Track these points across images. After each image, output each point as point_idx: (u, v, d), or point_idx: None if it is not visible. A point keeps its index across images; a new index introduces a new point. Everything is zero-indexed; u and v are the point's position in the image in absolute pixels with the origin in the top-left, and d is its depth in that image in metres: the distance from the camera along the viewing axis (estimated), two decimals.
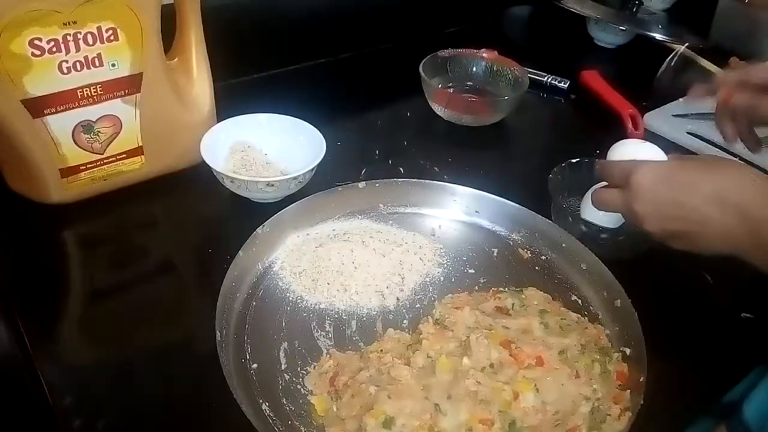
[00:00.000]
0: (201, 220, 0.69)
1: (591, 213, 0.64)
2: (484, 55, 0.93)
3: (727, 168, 0.53)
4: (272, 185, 0.65)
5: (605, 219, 0.64)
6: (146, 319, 0.58)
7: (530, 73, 0.97)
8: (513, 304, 0.54)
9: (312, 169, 0.68)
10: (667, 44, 1.09)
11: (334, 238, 0.64)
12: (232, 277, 0.57)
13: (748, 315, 0.63)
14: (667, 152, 0.61)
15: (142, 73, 0.65)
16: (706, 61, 0.98)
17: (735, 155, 0.80)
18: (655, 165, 0.55)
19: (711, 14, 1.16)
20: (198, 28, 0.71)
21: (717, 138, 0.74)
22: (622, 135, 0.86)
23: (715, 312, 0.64)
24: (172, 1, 0.69)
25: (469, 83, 0.93)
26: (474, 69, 0.93)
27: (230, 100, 0.77)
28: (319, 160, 0.68)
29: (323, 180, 0.71)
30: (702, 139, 0.87)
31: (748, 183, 0.50)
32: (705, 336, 0.61)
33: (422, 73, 0.86)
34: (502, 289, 0.58)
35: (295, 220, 0.65)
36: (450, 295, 0.59)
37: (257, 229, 0.61)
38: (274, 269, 0.62)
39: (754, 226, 0.48)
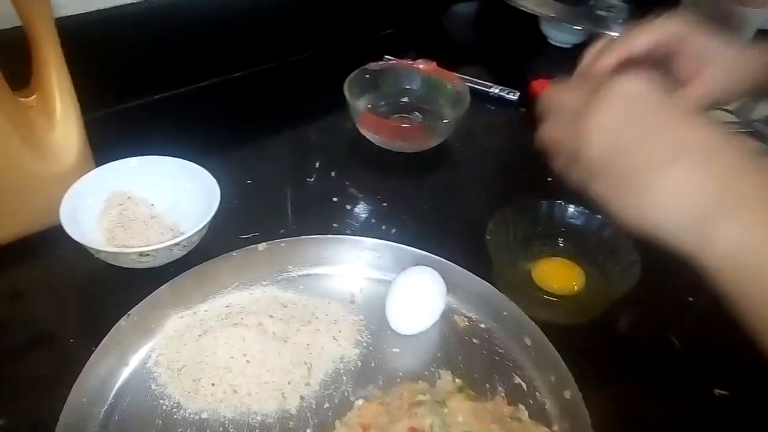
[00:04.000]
0: (66, 295, 0.57)
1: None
2: (420, 66, 0.81)
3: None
4: (147, 255, 0.53)
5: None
6: None
7: (476, 83, 0.86)
8: (431, 425, 0.43)
9: (201, 229, 0.55)
10: None
11: (225, 320, 0.52)
12: (83, 390, 0.45)
13: (722, 392, 0.53)
14: None
15: None
16: None
17: None
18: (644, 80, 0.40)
19: (675, 6, 1.05)
20: (56, 54, 0.58)
21: None
22: None
23: (685, 389, 0.54)
24: (19, 24, 0.56)
25: (404, 99, 0.81)
26: (409, 84, 0.81)
27: (109, 137, 0.64)
28: (210, 216, 0.56)
29: (224, 232, 0.59)
30: None
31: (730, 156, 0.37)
32: (674, 420, 0.52)
33: (347, 93, 0.73)
34: (421, 397, 0.46)
35: (178, 297, 0.53)
36: (360, 399, 0.48)
37: (120, 321, 0.49)
38: (147, 365, 0.50)
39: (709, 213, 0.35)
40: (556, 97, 0.43)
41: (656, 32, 0.49)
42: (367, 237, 0.59)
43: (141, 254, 0.53)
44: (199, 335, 0.51)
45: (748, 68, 0.51)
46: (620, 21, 0.97)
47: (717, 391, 0.53)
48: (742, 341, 0.36)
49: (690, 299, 0.61)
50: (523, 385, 0.51)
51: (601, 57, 0.48)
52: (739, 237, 0.35)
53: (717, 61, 0.50)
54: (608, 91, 0.39)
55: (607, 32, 0.94)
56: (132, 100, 0.78)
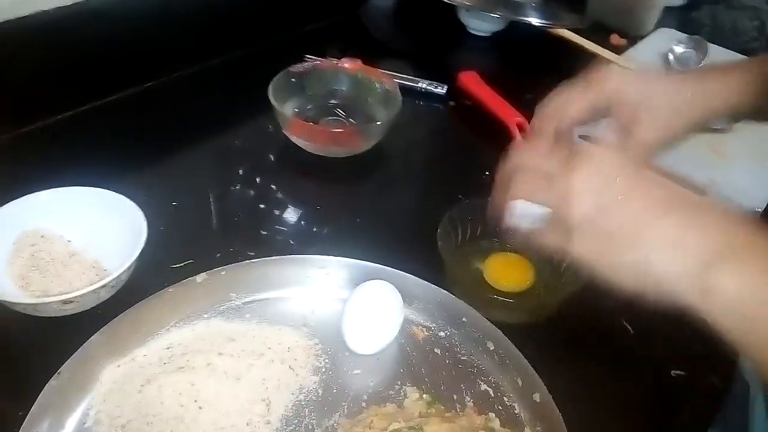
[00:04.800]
0: None
1: None
2: (345, 65, 0.77)
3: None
4: (71, 302, 0.47)
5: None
6: None
7: (402, 79, 0.84)
8: None
9: (129, 267, 0.50)
10: (545, 27, 0.99)
11: (169, 363, 0.48)
12: None
13: (679, 372, 0.55)
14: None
15: None
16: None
17: None
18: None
19: None
20: None
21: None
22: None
23: (645, 373, 0.55)
24: None
25: (332, 101, 0.78)
26: (336, 85, 0.77)
27: (11, 168, 0.58)
28: (138, 250, 0.51)
29: (154, 264, 0.54)
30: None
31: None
32: (638, 404, 0.52)
33: (272, 99, 0.69)
34: (395, 426, 0.44)
35: (112, 344, 0.48)
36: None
37: (51, 381, 0.43)
38: (86, 425, 0.45)
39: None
40: (524, 160, 0.43)
41: (595, 93, 0.51)
42: (310, 252, 0.56)
43: (64, 302, 0.47)
44: (142, 385, 0.46)
45: (686, 109, 0.53)
46: (535, 5, 0.98)
47: (674, 372, 0.54)
48: (692, 324, 0.36)
49: None
50: (490, 391, 0.50)
51: (550, 122, 0.51)
52: (740, 284, 0.35)
53: (653, 106, 0.52)
54: (585, 156, 0.40)
55: (524, 18, 0.95)
56: (32, 122, 0.70)
